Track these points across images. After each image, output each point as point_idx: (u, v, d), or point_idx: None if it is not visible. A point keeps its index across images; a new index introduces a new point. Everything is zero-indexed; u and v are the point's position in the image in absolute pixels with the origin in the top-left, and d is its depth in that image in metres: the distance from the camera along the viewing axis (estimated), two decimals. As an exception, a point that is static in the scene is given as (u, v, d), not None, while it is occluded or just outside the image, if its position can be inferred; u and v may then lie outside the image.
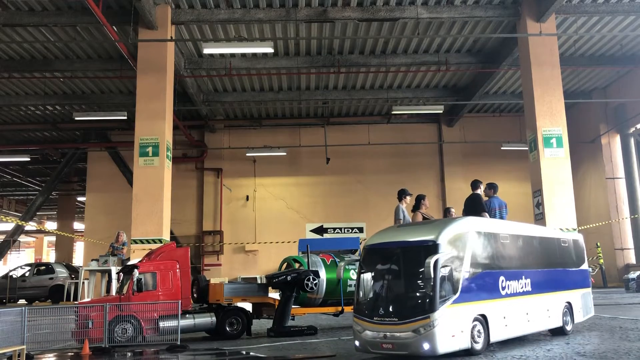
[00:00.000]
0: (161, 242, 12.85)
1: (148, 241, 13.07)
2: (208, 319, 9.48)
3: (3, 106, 20.40)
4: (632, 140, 20.65)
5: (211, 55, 17.17)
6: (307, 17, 14.26)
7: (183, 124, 20.46)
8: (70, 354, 8.76)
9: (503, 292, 7.18)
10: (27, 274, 20.95)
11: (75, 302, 13.61)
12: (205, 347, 8.80)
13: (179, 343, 8.47)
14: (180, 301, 8.91)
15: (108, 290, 13.17)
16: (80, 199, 32.90)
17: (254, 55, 17.30)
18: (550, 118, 14.09)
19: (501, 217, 10.09)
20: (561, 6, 14.02)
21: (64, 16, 14.03)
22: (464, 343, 6.40)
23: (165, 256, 9.72)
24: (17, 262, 33.44)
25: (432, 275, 6.15)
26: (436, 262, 6.22)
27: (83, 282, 15.16)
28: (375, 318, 6.53)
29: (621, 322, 10.11)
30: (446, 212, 11.19)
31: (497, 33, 16.27)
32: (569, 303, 8.57)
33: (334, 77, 19.35)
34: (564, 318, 8.38)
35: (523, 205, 17.71)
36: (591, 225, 19.14)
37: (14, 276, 20.78)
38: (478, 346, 6.61)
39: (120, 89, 19.93)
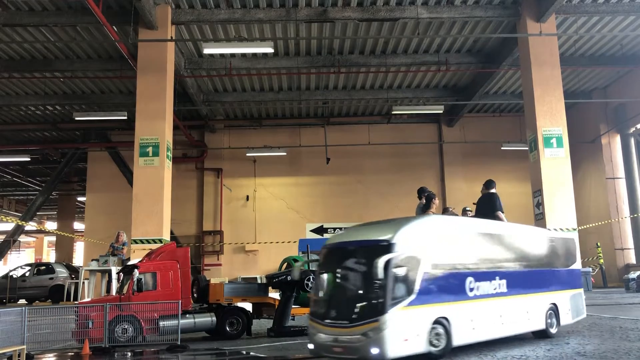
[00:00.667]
0: (161, 242, 12.85)
1: (148, 241, 13.08)
2: (208, 319, 9.48)
3: (3, 106, 20.40)
4: (632, 140, 20.65)
5: (211, 55, 17.17)
6: (307, 17, 14.26)
7: (183, 124, 20.46)
8: (70, 354, 8.76)
9: (471, 294, 6.87)
10: (27, 274, 20.96)
11: (75, 302, 13.61)
12: (205, 347, 8.80)
13: (179, 343, 8.47)
14: (180, 301, 8.91)
15: (108, 290, 13.17)
16: (80, 199, 32.90)
17: (254, 55, 17.30)
18: (551, 118, 14.09)
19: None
20: (561, 6, 14.02)
21: (64, 16, 14.03)
22: (419, 347, 6.09)
23: (166, 256, 9.72)
24: (17, 262, 33.43)
25: (382, 277, 5.89)
26: (387, 262, 5.96)
27: (83, 282, 15.16)
28: (327, 320, 6.27)
29: (621, 322, 10.11)
30: (445, 211, 11.09)
31: (497, 33, 16.27)
32: (555, 305, 8.25)
33: (334, 77, 19.35)
34: (548, 320, 8.07)
35: (523, 205, 17.71)
36: (591, 225, 19.14)
37: (14, 276, 20.78)
38: (437, 350, 6.27)
39: (120, 89, 19.93)
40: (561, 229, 13.42)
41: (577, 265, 9.13)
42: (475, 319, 6.85)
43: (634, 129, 20.50)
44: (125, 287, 9.20)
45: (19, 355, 7.47)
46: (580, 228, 14.75)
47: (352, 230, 7.31)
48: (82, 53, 16.95)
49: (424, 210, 9.94)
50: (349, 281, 6.44)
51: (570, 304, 8.60)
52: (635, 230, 20.32)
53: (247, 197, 23.02)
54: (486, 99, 20.98)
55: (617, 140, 21.08)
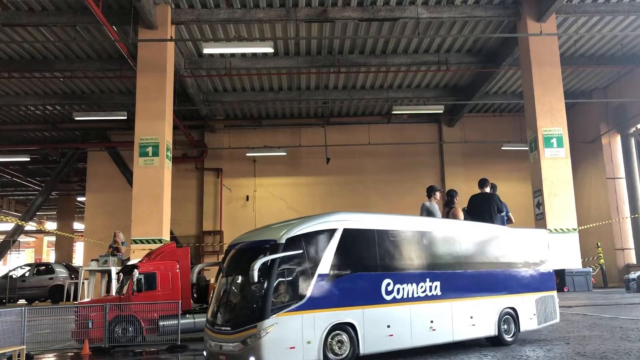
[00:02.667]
0: (161, 242, 12.84)
1: (148, 241, 13.07)
2: (208, 319, 9.45)
3: (3, 106, 20.40)
4: (632, 140, 20.64)
5: (211, 55, 17.16)
6: (307, 17, 14.25)
7: (183, 124, 20.45)
8: (70, 354, 8.75)
9: (388, 297, 6.35)
10: (27, 274, 20.94)
11: (75, 302, 13.60)
12: (205, 347, 8.77)
13: (179, 343, 8.46)
14: (180, 301, 8.90)
15: (108, 290, 13.16)
16: (80, 199, 32.89)
17: (254, 55, 17.29)
18: (551, 118, 14.09)
19: (504, 217, 10.03)
20: (561, 6, 14.02)
21: (64, 16, 14.03)
22: (310, 355, 5.62)
23: (165, 256, 9.71)
24: (17, 262, 33.42)
25: (262, 279, 5.50)
26: (266, 264, 5.55)
27: (83, 282, 15.15)
28: (215, 327, 5.91)
29: (621, 322, 10.11)
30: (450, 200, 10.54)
31: (497, 33, 16.26)
32: (513, 309, 7.62)
33: (334, 77, 19.34)
34: (504, 326, 7.47)
35: (523, 205, 17.68)
36: (592, 225, 19.13)
37: (14, 276, 20.77)
38: (337, 359, 5.82)
39: (120, 89, 19.92)
40: (561, 229, 13.42)
41: (548, 265, 8.48)
42: (394, 325, 6.34)
43: (634, 128, 20.49)
44: (125, 287, 9.19)
45: (18, 355, 7.46)
46: (580, 228, 14.74)
47: (254, 231, 6.85)
48: (82, 53, 16.94)
49: (447, 206, 9.76)
50: (235, 285, 6.05)
51: (537, 308, 7.98)
52: (636, 230, 20.31)
53: (247, 197, 23.01)
54: (486, 98, 20.98)
55: (617, 140, 21.07)
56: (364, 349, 6.03)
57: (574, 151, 14.80)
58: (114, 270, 12.67)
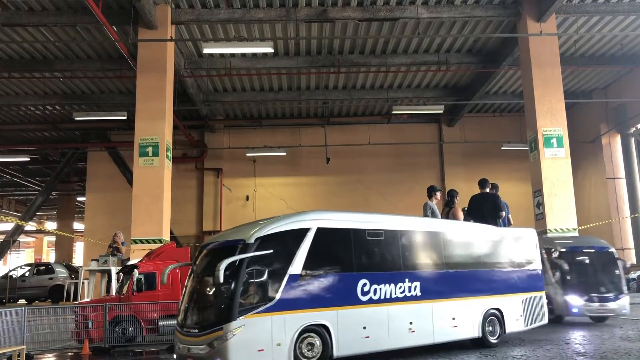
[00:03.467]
0: (161, 242, 12.84)
1: (148, 241, 13.06)
2: (208, 319, 9.44)
3: (3, 106, 20.39)
4: (632, 140, 20.64)
5: (211, 55, 17.15)
6: (307, 17, 14.25)
7: (183, 124, 20.45)
8: (70, 354, 8.75)
9: (364, 298, 6.20)
10: (27, 274, 20.95)
11: (75, 302, 13.60)
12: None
13: (178, 343, 8.44)
14: (180, 301, 8.89)
15: (108, 290, 13.16)
16: (80, 199, 32.88)
17: (254, 55, 17.29)
18: (551, 118, 14.08)
19: (505, 216, 10.04)
20: (561, 6, 14.01)
21: (64, 16, 14.02)
22: (279, 358, 5.47)
23: (165, 256, 9.72)
24: (17, 262, 33.43)
25: (226, 281, 5.34)
26: (233, 265, 5.40)
27: (83, 282, 15.15)
28: (184, 329, 5.78)
29: (621, 322, 10.10)
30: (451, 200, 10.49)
31: (497, 33, 16.25)
32: (498, 310, 7.47)
33: (334, 77, 19.33)
34: (488, 328, 7.32)
35: (523, 205, 17.68)
36: (592, 225, 19.13)
37: (14, 276, 20.78)
38: None
39: (120, 89, 19.91)
40: (561, 229, 13.41)
41: (537, 264, 8.37)
42: (370, 327, 6.18)
43: (634, 128, 20.49)
44: (125, 287, 9.19)
45: (18, 355, 7.46)
46: (580, 228, 14.73)
47: (229, 230, 6.68)
48: (82, 53, 16.94)
49: (447, 205, 9.77)
50: (203, 286, 5.90)
51: (523, 309, 7.82)
52: (636, 230, 20.31)
53: (247, 197, 23.01)
54: (486, 98, 20.97)
55: (617, 140, 21.07)
56: (337, 351, 5.88)
57: (574, 151, 14.79)
58: (114, 270, 12.68)
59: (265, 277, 5.53)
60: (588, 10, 14.57)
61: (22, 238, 39.45)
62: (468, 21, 15.24)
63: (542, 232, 13.74)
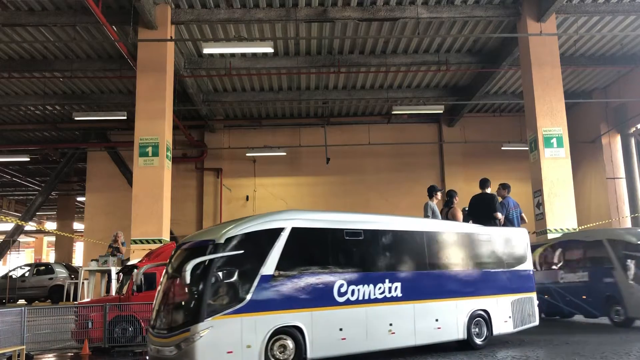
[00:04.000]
0: (161, 242, 12.83)
1: (148, 241, 13.06)
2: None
3: (3, 106, 20.39)
4: (632, 140, 20.63)
5: (211, 55, 17.15)
6: (307, 17, 14.25)
7: (183, 124, 20.45)
8: (70, 354, 8.74)
9: (341, 299, 6.07)
10: (26, 274, 20.96)
11: (75, 302, 13.59)
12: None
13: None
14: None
15: (108, 290, 13.16)
16: (80, 199, 32.89)
17: (254, 55, 17.29)
18: (551, 118, 14.08)
19: (517, 217, 10.06)
20: (561, 6, 14.02)
21: (64, 16, 14.02)
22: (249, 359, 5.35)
23: (165, 256, 9.68)
24: (16, 262, 33.44)
25: (194, 281, 5.26)
26: (201, 265, 5.31)
27: (83, 282, 15.15)
28: (155, 330, 5.71)
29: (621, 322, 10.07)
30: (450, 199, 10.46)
31: (497, 33, 16.25)
32: (485, 311, 7.28)
33: (334, 77, 19.33)
34: (474, 330, 7.15)
35: (523, 205, 17.40)
36: (591, 225, 19.13)
37: (14, 276, 20.77)
38: None
39: (120, 89, 19.91)
40: (561, 229, 13.41)
41: (528, 265, 8.13)
42: (347, 328, 6.06)
43: (634, 128, 20.48)
44: (125, 287, 9.18)
45: (18, 356, 7.46)
46: (580, 228, 14.73)
47: (203, 230, 6.57)
48: (82, 53, 16.94)
49: (446, 206, 9.78)
50: (173, 286, 5.82)
51: (512, 310, 7.64)
52: (636, 230, 20.31)
53: (247, 197, 23.01)
54: (486, 98, 20.97)
55: (617, 140, 21.06)
56: (312, 352, 5.77)
57: (574, 151, 14.79)
58: (113, 270, 12.68)
59: (235, 277, 5.42)
60: (588, 10, 14.57)
61: (22, 238, 39.44)
62: (468, 21, 15.25)
63: (542, 232, 13.76)
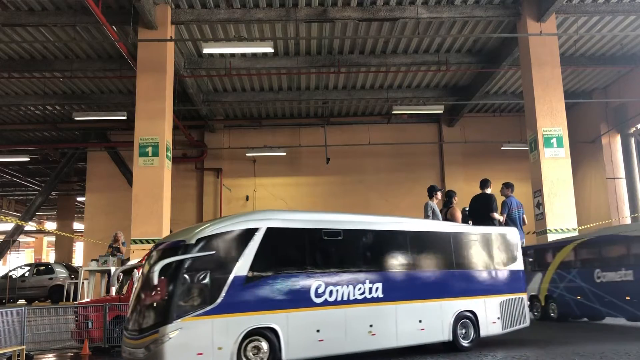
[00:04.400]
0: (161, 242, 12.82)
1: (148, 241, 13.06)
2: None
3: (3, 106, 20.39)
4: (632, 140, 20.64)
5: (211, 55, 17.15)
6: (307, 17, 14.25)
7: (183, 124, 20.45)
8: (70, 354, 8.74)
9: (318, 300, 5.95)
10: (26, 274, 20.95)
11: (75, 302, 13.59)
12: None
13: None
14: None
15: (108, 290, 13.15)
16: (80, 199, 32.89)
17: (254, 55, 17.29)
18: (551, 118, 14.08)
19: (519, 216, 10.06)
20: (561, 6, 14.02)
21: (64, 16, 14.02)
22: None
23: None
24: (16, 262, 33.43)
25: (164, 282, 5.23)
26: (171, 266, 5.27)
27: (83, 282, 15.15)
28: (128, 332, 5.68)
29: (621, 322, 10.10)
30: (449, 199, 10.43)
31: (497, 33, 16.25)
32: (472, 312, 7.14)
33: (334, 77, 19.34)
34: (461, 331, 7.03)
35: (523, 205, 17.67)
36: (592, 225, 19.13)
37: (14, 276, 20.77)
38: None
39: (120, 89, 19.91)
40: (561, 229, 13.41)
41: (518, 265, 7.95)
42: (325, 330, 5.95)
43: (634, 129, 20.49)
44: (125, 287, 9.18)
45: (18, 356, 7.46)
46: (580, 228, 14.73)
47: (181, 230, 6.48)
48: (82, 53, 16.94)
49: (445, 206, 9.78)
50: (145, 288, 5.73)
51: (501, 311, 7.51)
52: (636, 230, 20.29)
53: (247, 197, 23.00)
54: (486, 98, 20.97)
55: (617, 140, 21.06)
56: (287, 355, 5.67)
57: (574, 151, 14.79)
58: (113, 270, 12.68)
59: (207, 278, 5.35)
60: (588, 10, 14.57)
61: (22, 238, 39.46)
62: (468, 21, 15.25)
63: (542, 232, 13.76)
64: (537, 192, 14.05)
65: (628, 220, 20.34)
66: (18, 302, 20.16)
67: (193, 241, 5.41)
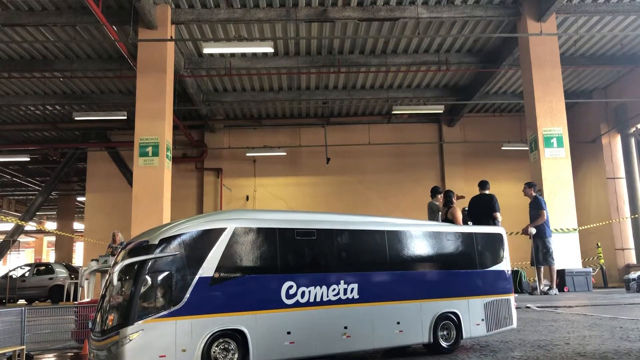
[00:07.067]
0: (161, 242, 12.81)
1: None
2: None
3: (3, 106, 20.40)
4: (632, 140, 20.64)
5: (211, 55, 17.16)
6: (307, 16, 14.26)
7: (183, 124, 20.45)
8: (70, 354, 8.74)
9: (290, 301, 5.80)
10: (26, 274, 20.95)
11: (75, 302, 13.58)
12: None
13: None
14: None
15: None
16: (80, 199, 32.90)
17: (254, 55, 17.30)
18: (551, 118, 14.09)
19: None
20: (562, 6, 14.03)
21: (64, 16, 14.03)
22: None
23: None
24: (16, 262, 33.43)
25: (125, 283, 5.19)
26: (132, 267, 5.23)
27: (83, 283, 15.13)
28: (93, 333, 5.60)
29: (622, 322, 10.09)
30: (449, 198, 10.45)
31: (497, 33, 16.26)
32: (453, 313, 6.94)
33: (334, 77, 19.34)
34: (441, 332, 6.80)
35: (523, 205, 17.56)
36: (592, 225, 19.12)
37: (14, 276, 20.77)
38: None
39: (120, 89, 19.92)
40: (561, 229, 13.41)
41: (504, 265, 7.75)
42: (296, 332, 5.81)
43: (634, 128, 20.49)
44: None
45: (18, 356, 7.46)
46: (580, 228, 14.74)
47: (148, 230, 6.33)
48: (82, 53, 16.95)
49: (445, 206, 9.79)
50: (110, 288, 5.65)
51: (485, 312, 7.30)
52: (636, 230, 20.30)
53: (247, 197, 23.01)
54: (486, 98, 20.98)
55: (617, 140, 21.07)
56: (256, 357, 5.53)
57: (574, 151, 14.80)
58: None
59: (170, 279, 5.24)
60: (588, 10, 14.58)
61: (22, 238, 39.45)
62: (468, 21, 15.26)
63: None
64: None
65: (628, 220, 20.36)
66: (18, 302, 20.15)
67: (156, 241, 5.27)
